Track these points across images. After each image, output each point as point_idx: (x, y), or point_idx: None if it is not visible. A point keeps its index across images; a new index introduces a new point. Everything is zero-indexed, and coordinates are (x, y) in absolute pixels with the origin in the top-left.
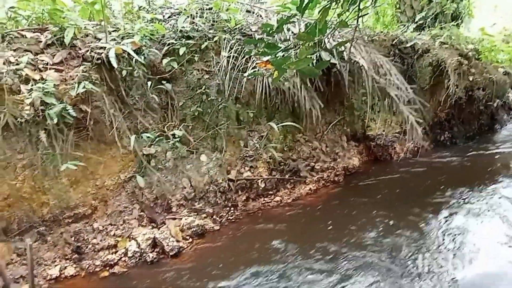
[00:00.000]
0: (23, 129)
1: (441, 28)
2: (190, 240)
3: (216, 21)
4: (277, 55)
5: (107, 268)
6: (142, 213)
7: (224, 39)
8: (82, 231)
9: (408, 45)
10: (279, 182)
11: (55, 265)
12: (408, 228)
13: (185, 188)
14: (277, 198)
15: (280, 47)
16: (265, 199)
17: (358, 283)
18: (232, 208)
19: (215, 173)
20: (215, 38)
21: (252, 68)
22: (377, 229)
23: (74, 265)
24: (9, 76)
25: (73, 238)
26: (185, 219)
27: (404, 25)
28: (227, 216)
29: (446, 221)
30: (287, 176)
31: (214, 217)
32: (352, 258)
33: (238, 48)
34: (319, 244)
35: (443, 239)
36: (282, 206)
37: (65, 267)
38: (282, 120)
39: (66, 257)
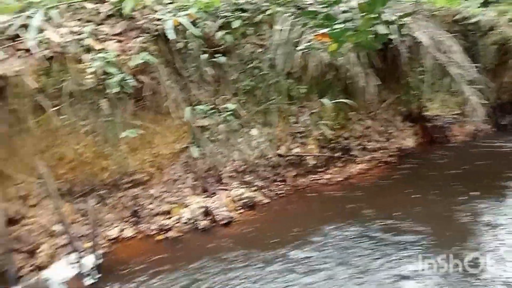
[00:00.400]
0: (85, 97)
1: (510, 4)
2: (240, 211)
3: None
4: (335, 27)
5: (162, 232)
6: (195, 182)
7: (278, 12)
8: (139, 196)
9: (471, 21)
10: (329, 160)
11: (115, 227)
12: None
13: (236, 161)
14: (327, 176)
15: (339, 19)
16: (314, 176)
17: None
18: (281, 183)
19: (265, 148)
20: (269, 11)
21: (307, 42)
22: (432, 211)
23: (132, 228)
24: (73, 45)
25: (131, 202)
26: (236, 190)
27: (468, 0)
28: (276, 190)
29: None
30: (337, 154)
31: (264, 190)
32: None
33: (292, 21)
34: (370, 224)
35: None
36: (331, 185)
37: (124, 229)
38: (335, 97)
39: (125, 219)
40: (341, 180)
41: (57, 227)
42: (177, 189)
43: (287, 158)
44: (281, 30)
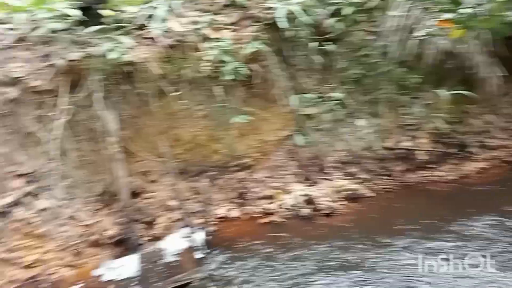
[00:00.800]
0: (202, 84)
1: None
2: (343, 202)
3: None
4: (462, 12)
5: (265, 216)
6: (298, 170)
7: None
8: (245, 179)
9: None
10: (442, 156)
11: (222, 206)
12: None
13: (340, 151)
14: (439, 173)
15: (465, 4)
16: (425, 172)
17: None
18: (387, 177)
19: (371, 139)
20: None
21: (425, 28)
22: None
23: (238, 209)
24: (192, 34)
25: (238, 185)
26: (339, 181)
27: None
28: (381, 184)
29: None
30: (452, 151)
31: (368, 183)
32: None
33: (409, 7)
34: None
35: None
36: (444, 183)
37: (230, 209)
38: (451, 88)
39: (231, 200)
40: (455, 179)
41: (173, 203)
42: (281, 175)
43: (395, 151)
44: (396, 16)
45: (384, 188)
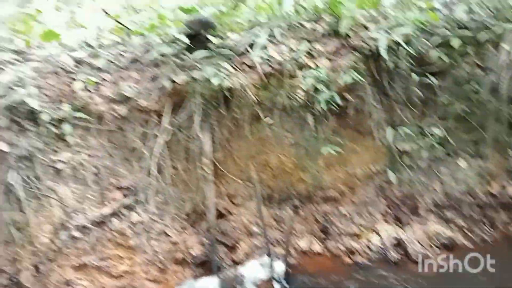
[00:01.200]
0: (294, 111)
1: None
2: (437, 249)
3: (500, 9)
4: None
5: (350, 254)
6: (387, 209)
7: (507, 30)
8: (330, 212)
9: None
10: None
11: (305, 238)
12: None
13: (436, 192)
14: None
15: None
16: None
17: None
18: (488, 228)
19: (473, 183)
20: (496, 28)
21: None
22: None
23: (320, 243)
24: (289, 62)
25: (321, 217)
26: (433, 226)
27: None
28: (481, 235)
29: None
30: None
31: (466, 232)
32: None
33: None
34: None
35: None
36: None
37: (313, 243)
38: None
39: (314, 233)
40: None
41: (255, 228)
42: (368, 212)
43: (500, 199)
44: (510, 51)
45: (483, 239)
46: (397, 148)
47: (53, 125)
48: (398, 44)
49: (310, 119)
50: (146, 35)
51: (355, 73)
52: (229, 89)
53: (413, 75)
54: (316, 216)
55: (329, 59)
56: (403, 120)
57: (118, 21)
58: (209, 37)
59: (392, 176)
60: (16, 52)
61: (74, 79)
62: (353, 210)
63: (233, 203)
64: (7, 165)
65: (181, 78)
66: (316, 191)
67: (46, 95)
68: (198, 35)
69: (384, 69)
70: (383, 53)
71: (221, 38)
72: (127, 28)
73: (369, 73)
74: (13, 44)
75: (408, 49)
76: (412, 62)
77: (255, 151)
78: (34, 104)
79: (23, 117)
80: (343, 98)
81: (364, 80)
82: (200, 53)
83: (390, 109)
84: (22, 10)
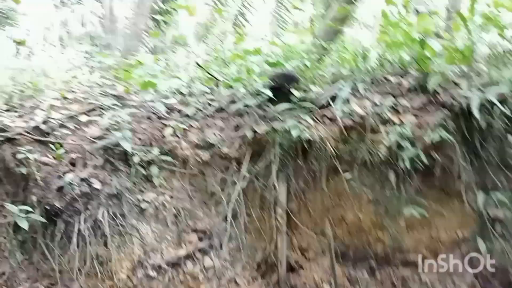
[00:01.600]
0: (375, 167)
1: None
2: None
3: None
4: None
5: None
6: (476, 280)
7: None
8: (409, 278)
9: None
10: None
11: None
12: None
13: None
14: None
15: None
16: None
17: None
18: None
19: None
20: None
21: None
22: None
23: None
24: (373, 116)
25: (399, 282)
26: None
27: None
28: None
29: None
30: None
31: None
32: None
33: None
34: None
35: None
36: None
37: None
38: None
39: None
40: None
41: (327, 287)
42: (453, 282)
43: None
44: None
45: None
46: (488, 215)
47: (142, 166)
48: (492, 103)
49: (392, 176)
50: (233, 86)
51: (444, 131)
52: (308, 141)
53: (509, 136)
54: (394, 280)
55: (415, 115)
56: (496, 184)
57: (208, 72)
58: (292, 90)
59: (481, 244)
60: (117, 97)
61: (165, 125)
62: (435, 278)
63: (305, 256)
64: (98, 202)
65: (262, 128)
66: (395, 253)
67: (139, 138)
68: (282, 88)
69: (475, 128)
70: (476, 113)
71: (304, 90)
72: (216, 79)
73: (459, 131)
74: (115, 90)
75: (503, 109)
76: (507, 122)
77: (331, 204)
78: (127, 146)
79: (117, 158)
80: (429, 156)
81: (453, 139)
82: (282, 106)
83: (482, 171)
84: (126, 60)
